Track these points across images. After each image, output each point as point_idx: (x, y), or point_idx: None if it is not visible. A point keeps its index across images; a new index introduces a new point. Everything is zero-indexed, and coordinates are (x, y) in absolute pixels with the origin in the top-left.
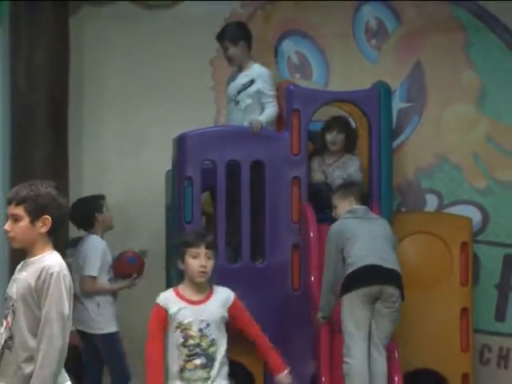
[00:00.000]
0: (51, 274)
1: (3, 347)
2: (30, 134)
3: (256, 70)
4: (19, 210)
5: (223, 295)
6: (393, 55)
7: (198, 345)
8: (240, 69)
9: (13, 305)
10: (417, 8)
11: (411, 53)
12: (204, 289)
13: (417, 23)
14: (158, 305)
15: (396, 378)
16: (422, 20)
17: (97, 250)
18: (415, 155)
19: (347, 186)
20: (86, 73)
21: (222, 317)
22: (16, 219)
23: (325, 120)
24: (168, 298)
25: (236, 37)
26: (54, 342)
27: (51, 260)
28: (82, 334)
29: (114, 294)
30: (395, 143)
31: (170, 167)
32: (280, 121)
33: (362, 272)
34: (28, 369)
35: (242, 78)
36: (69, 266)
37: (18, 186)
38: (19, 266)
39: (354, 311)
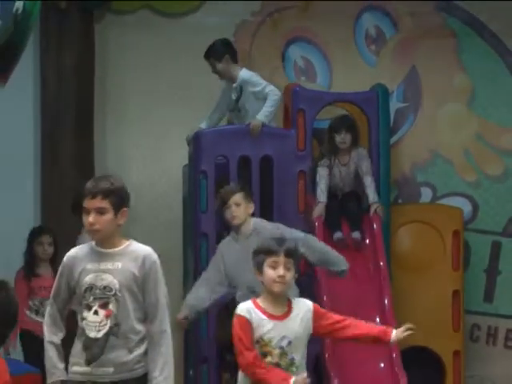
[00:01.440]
0: (154, 261)
1: (107, 334)
2: (59, 131)
3: (240, 77)
4: (105, 204)
5: (303, 307)
6: (390, 59)
7: (277, 364)
8: (231, 80)
9: (115, 294)
10: (412, 17)
11: (407, 57)
12: (282, 302)
13: (412, 30)
14: (241, 316)
15: (394, 355)
16: (417, 28)
17: None
18: (411, 151)
19: None
20: (110, 75)
21: (305, 333)
22: (101, 212)
23: (331, 121)
24: (249, 310)
25: (219, 53)
26: (168, 323)
27: (146, 248)
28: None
29: None
30: (392, 140)
31: (186, 162)
32: (287, 119)
33: None
34: (141, 349)
35: (234, 89)
36: None
37: (97, 180)
38: (86, 257)
39: None
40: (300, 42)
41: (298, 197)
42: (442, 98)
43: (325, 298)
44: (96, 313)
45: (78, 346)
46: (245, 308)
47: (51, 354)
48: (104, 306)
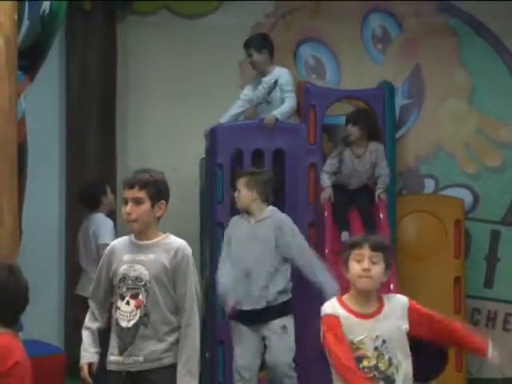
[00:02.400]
0: (187, 254)
1: (137, 324)
2: (83, 125)
3: (277, 71)
4: (142, 194)
5: (397, 303)
6: (395, 58)
7: (375, 367)
8: (262, 74)
9: (145, 285)
10: (416, 17)
11: (411, 56)
12: (372, 299)
13: (416, 30)
14: (329, 315)
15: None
16: (421, 27)
17: (106, 222)
18: (415, 145)
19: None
20: (131, 73)
21: (400, 330)
22: (138, 202)
23: (348, 113)
24: (335, 308)
25: (260, 45)
26: (198, 315)
27: (181, 241)
28: (84, 299)
29: None
30: (398, 134)
31: (203, 155)
32: (298, 114)
33: None
34: (171, 338)
35: (267, 82)
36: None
37: (136, 172)
38: (124, 248)
39: None
40: (311, 42)
41: (308, 188)
42: (444, 95)
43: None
44: (128, 303)
45: (112, 336)
46: (330, 306)
47: (85, 339)
48: (135, 296)
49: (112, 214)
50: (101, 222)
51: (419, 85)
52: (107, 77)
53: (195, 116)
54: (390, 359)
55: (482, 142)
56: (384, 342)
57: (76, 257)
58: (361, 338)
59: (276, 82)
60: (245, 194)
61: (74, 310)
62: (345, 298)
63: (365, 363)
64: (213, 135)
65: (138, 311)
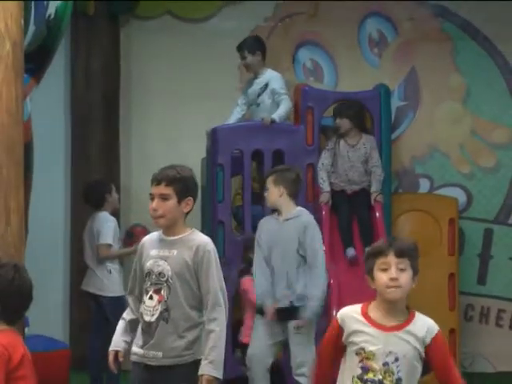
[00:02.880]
0: (209, 250)
1: (158, 319)
2: (87, 127)
3: (269, 74)
4: (169, 190)
5: (426, 326)
6: (391, 61)
7: (380, 382)
8: (255, 76)
9: (167, 280)
10: (412, 21)
11: (407, 59)
12: (400, 313)
13: (412, 34)
14: (335, 319)
15: None
16: (416, 32)
17: (109, 222)
18: (410, 146)
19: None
20: (134, 76)
21: (417, 352)
22: (165, 198)
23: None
24: (348, 315)
25: (254, 47)
26: (224, 311)
27: (203, 238)
28: (94, 297)
29: (120, 263)
30: (394, 135)
31: (204, 155)
32: (296, 116)
33: None
34: (192, 335)
35: (259, 83)
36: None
37: (164, 169)
38: (152, 243)
39: None
40: (309, 46)
41: (306, 187)
42: (439, 97)
43: (331, 281)
44: (151, 297)
45: (139, 329)
46: (344, 312)
47: (117, 328)
48: (158, 291)
49: (116, 213)
50: (104, 222)
51: (415, 87)
52: (111, 79)
53: (196, 117)
54: (399, 379)
55: (476, 143)
56: (397, 359)
57: (82, 254)
58: (372, 349)
59: (267, 84)
60: (272, 190)
61: (78, 305)
62: (371, 306)
63: (370, 376)
64: (213, 136)
65: (160, 306)
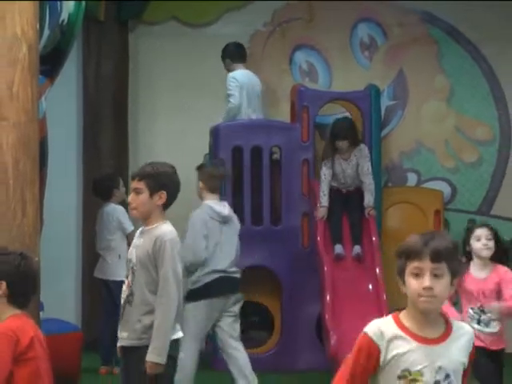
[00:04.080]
0: (165, 241)
1: (125, 302)
2: (98, 126)
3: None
4: (141, 185)
5: (465, 334)
6: (381, 63)
7: None
8: None
9: (133, 267)
10: (400, 27)
11: (396, 61)
12: (437, 321)
13: (400, 39)
14: (367, 335)
15: (384, 316)
16: (404, 36)
17: (124, 212)
18: (399, 142)
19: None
20: (141, 77)
21: (462, 365)
22: (138, 192)
23: (332, 125)
24: (383, 329)
25: (226, 53)
26: (171, 298)
27: (164, 229)
28: (104, 283)
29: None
30: (383, 132)
31: (207, 151)
32: (293, 114)
33: None
34: (147, 320)
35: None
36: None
37: (143, 165)
38: (137, 233)
39: None
40: (304, 49)
41: (302, 181)
42: (426, 97)
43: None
44: (124, 283)
45: None
46: (376, 327)
47: None
48: (127, 277)
49: (123, 205)
50: (120, 213)
51: (403, 88)
52: (120, 79)
53: (199, 115)
54: None
55: (459, 139)
56: (448, 376)
57: (93, 243)
58: (420, 368)
59: None
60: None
61: (90, 291)
62: (402, 316)
63: None
64: (215, 133)
65: (127, 290)
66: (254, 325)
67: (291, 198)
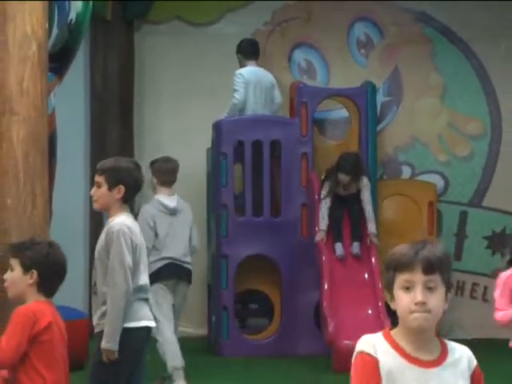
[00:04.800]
0: (113, 232)
1: (91, 292)
2: (105, 122)
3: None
4: (100, 179)
5: (463, 356)
6: (377, 61)
7: None
8: None
9: (95, 258)
10: (395, 26)
11: (391, 59)
12: (431, 341)
13: (395, 38)
14: (364, 353)
15: (380, 304)
16: (399, 35)
17: None
18: (394, 136)
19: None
20: (147, 74)
21: None
22: (98, 186)
23: (339, 160)
24: (377, 346)
25: (239, 49)
26: (118, 287)
27: (116, 221)
28: None
29: None
30: (379, 127)
31: (209, 145)
32: (292, 110)
33: None
34: (102, 309)
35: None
36: None
37: (105, 160)
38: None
39: None
40: (303, 47)
41: (301, 173)
42: (420, 93)
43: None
44: None
45: None
46: (370, 342)
47: None
48: (95, 269)
49: None
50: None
51: (398, 84)
52: (126, 77)
53: (202, 111)
54: None
55: (452, 134)
56: None
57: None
58: None
59: None
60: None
61: None
62: (394, 333)
63: None
64: (218, 128)
65: (92, 282)
66: (254, 312)
67: (290, 190)
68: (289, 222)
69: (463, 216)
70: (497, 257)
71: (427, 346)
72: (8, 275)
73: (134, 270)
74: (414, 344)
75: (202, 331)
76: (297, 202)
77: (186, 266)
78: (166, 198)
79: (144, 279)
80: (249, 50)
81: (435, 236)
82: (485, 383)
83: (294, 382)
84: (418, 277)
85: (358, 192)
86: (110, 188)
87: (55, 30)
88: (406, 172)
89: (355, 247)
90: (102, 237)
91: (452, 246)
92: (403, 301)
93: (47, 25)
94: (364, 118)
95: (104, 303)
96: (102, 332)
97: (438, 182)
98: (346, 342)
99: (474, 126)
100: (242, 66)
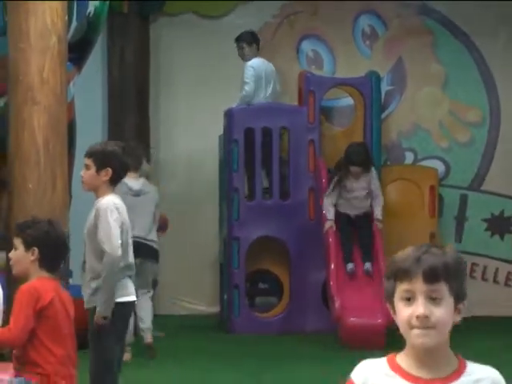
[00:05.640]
0: (100, 208)
1: (82, 269)
2: (122, 110)
3: (248, 63)
4: (89, 161)
5: (483, 380)
6: (381, 52)
7: None
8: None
9: (85, 236)
10: (399, 18)
11: (395, 51)
12: (442, 360)
13: (399, 30)
14: (351, 381)
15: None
16: (403, 27)
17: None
18: (397, 123)
19: None
20: (162, 65)
21: None
22: (87, 168)
23: (348, 151)
24: (371, 370)
25: (250, 40)
26: (108, 258)
27: (103, 200)
28: None
29: None
30: (383, 115)
31: (221, 132)
32: (300, 98)
33: None
34: (93, 284)
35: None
36: None
37: (94, 144)
38: None
39: None
40: (311, 39)
41: (308, 159)
42: (422, 83)
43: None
44: None
45: None
46: (363, 370)
47: None
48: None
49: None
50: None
51: (401, 74)
52: (142, 67)
53: (214, 100)
54: None
55: (453, 121)
56: None
57: None
58: None
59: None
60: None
61: None
62: (399, 355)
63: None
64: (229, 115)
65: (83, 259)
66: (264, 291)
67: (299, 174)
68: (297, 205)
69: (463, 199)
70: (495, 238)
71: (435, 364)
72: (12, 254)
73: (124, 249)
74: (419, 362)
75: (215, 309)
76: (304, 186)
77: (149, 243)
78: (131, 181)
79: (131, 257)
80: (254, 38)
81: (436, 218)
82: (485, 357)
83: (302, 357)
84: (419, 286)
85: (367, 214)
86: (98, 170)
87: (74, 23)
88: (409, 157)
89: (367, 266)
90: (92, 215)
91: (453, 228)
92: (403, 314)
93: (66, 17)
94: (369, 107)
95: (94, 279)
96: (94, 308)
97: (440, 167)
98: (351, 319)
99: (473, 114)
100: (244, 54)
